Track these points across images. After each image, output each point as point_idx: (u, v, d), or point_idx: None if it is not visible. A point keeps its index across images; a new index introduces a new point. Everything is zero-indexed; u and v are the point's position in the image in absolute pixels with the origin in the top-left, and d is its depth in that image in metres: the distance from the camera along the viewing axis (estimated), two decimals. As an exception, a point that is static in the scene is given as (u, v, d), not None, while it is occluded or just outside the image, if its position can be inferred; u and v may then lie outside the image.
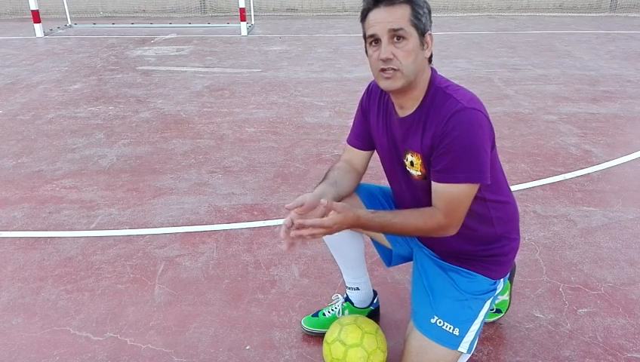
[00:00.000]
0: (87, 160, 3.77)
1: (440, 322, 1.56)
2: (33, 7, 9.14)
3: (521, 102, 4.97)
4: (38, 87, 5.78)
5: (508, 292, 2.02)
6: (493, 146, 1.51)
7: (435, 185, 1.46)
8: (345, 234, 1.79)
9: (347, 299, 2.04)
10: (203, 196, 3.19)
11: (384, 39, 1.40)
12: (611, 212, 2.91)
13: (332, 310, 2.04)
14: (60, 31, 9.77)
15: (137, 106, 5.05)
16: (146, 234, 2.77)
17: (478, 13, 11.64)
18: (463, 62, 6.71)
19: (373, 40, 1.42)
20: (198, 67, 6.62)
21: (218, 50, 7.83)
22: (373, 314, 2.06)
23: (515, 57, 6.95)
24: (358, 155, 1.78)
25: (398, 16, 1.38)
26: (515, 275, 2.33)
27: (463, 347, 1.58)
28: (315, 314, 2.05)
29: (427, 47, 1.45)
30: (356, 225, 1.49)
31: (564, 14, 11.25)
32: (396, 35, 1.39)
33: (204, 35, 9.14)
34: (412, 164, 1.54)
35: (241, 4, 9.16)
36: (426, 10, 1.43)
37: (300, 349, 1.96)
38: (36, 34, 9.16)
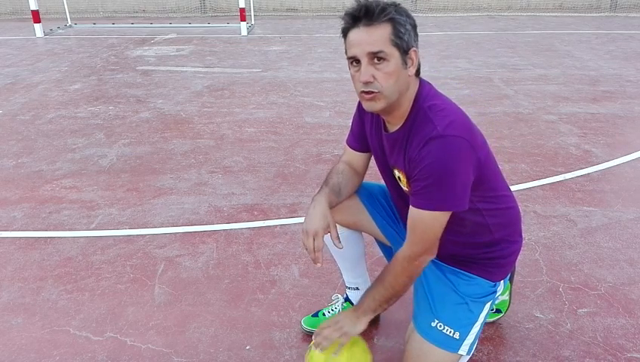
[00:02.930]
0: (87, 160, 3.77)
1: (440, 326, 1.55)
2: (33, 7, 9.14)
3: (521, 102, 4.97)
4: (38, 87, 5.78)
5: (508, 292, 2.02)
6: (486, 158, 1.46)
7: (410, 207, 1.44)
8: (345, 235, 1.79)
9: (347, 299, 2.04)
10: (203, 196, 3.19)
11: (364, 61, 1.35)
12: (611, 212, 2.92)
13: (332, 310, 2.04)
14: (60, 31, 9.77)
15: (137, 106, 5.05)
16: (146, 234, 2.77)
17: (478, 13, 11.65)
18: (463, 62, 6.71)
19: (353, 60, 1.38)
20: (198, 67, 6.62)
21: (218, 50, 7.83)
22: (373, 314, 2.05)
23: (515, 57, 6.95)
24: (357, 157, 1.77)
25: (377, 37, 1.32)
26: (515, 275, 2.33)
27: (463, 349, 1.57)
28: (315, 314, 2.05)
29: (412, 63, 1.39)
30: (370, 318, 1.55)
31: (564, 14, 11.26)
32: (376, 57, 1.34)
33: (204, 35, 9.14)
34: (400, 179, 1.54)
35: (241, 4, 9.17)
36: (409, 27, 1.36)
37: (300, 349, 1.96)
38: (36, 34, 9.17)
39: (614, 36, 8.48)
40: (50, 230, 2.83)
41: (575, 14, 11.24)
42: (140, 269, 2.46)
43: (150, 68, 6.67)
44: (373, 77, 1.35)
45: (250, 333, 2.04)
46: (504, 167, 3.51)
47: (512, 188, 3.19)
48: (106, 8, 12.34)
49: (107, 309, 2.19)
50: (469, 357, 1.62)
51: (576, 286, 2.28)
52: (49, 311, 2.18)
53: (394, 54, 1.34)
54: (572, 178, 3.35)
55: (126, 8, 12.35)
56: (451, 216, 1.43)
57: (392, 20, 1.33)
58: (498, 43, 8.01)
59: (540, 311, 2.12)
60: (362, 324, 1.54)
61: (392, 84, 1.36)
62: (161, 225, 2.86)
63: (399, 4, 1.38)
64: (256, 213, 2.97)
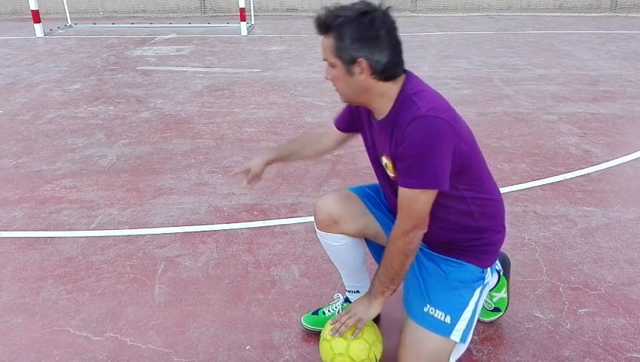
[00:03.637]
0: (87, 160, 3.77)
1: (432, 310, 1.60)
2: (33, 7, 9.14)
3: (521, 102, 4.97)
4: (38, 87, 5.78)
5: (505, 289, 2.03)
6: (471, 149, 1.53)
7: (398, 187, 1.52)
8: (349, 244, 1.85)
9: (347, 300, 2.04)
10: (203, 196, 3.19)
11: (325, 63, 1.53)
12: (611, 212, 2.92)
13: (332, 309, 2.04)
14: (60, 31, 9.77)
15: (137, 106, 5.05)
16: (146, 234, 2.77)
17: (478, 13, 11.65)
18: (463, 62, 6.71)
19: None
20: (198, 67, 6.62)
21: (218, 50, 7.83)
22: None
23: (515, 57, 6.95)
24: (332, 132, 1.92)
25: (325, 47, 1.49)
26: (515, 275, 2.33)
27: (455, 335, 1.60)
28: (315, 312, 2.05)
29: (362, 72, 1.47)
30: (382, 302, 1.65)
31: (564, 14, 11.26)
32: (327, 62, 1.51)
33: (204, 35, 9.14)
34: (387, 166, 1.60)
35: (241, 4, 9.17)
36: (348, 41, 1.43)
37: (299, 349, 1.96)
38: (36, 34, 9.17)
39: (614, 36, 8.48)
40: (50, 230, 2.83)
41: (575, 14, 11.24)
42: (139, 269, 2.46)
43: (150, 68, 6.67)
44: (331, 77, 1.53)
45: (250, 333, 2.04)
46: (504, 167, 3.52)
47: (512, 188, 3.20)
48: (106, 8, 12.34)
49: (107, 309, 2.19)
50: (464, 346, 1.64)
51: (576, 286, 2.28)
52: (49, 311, 2.18)
53: (337, 63, 1.48)
54: (572, 178, 3.35)
55: (126, 8, 12.34)
56: (436, 204, 1.50)
57: (335, 34, 1.45)
58: (498, 43, 8.01)
59: (540, 311, 2.12)
60: (375, 308, 1.65)
61: (342, 87, 1.53)
62: (161, 225, 2.86)
63: (363, 11, 1.43)
64: (256, 213, 2.97)
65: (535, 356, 1.90)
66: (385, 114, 1.54)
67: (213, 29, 9.80)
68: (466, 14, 11.56)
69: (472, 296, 1.64)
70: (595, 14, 11.20)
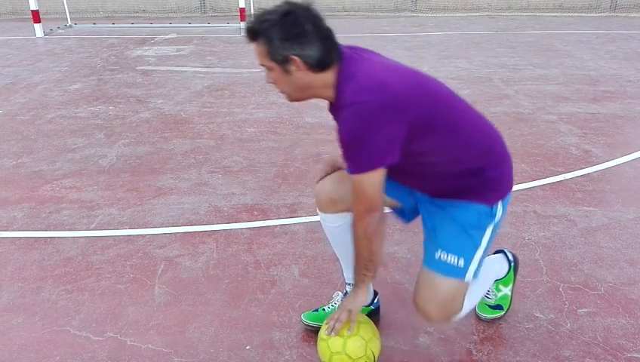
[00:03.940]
0: (87, 160, 3.77)
1: (444, 255, 1.64)
2: (33, 7, 9.14)
3: (521, 102, 4.97)
4: (38, 87, 5.78)
5: (511, 286, 2.05)
6: (429, 109, 1.52)
7: None
8: (347, 222, 1.80)
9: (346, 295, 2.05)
10: (203, 196, 3.19)
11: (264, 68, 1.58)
12: (611, 212, 2.92)
13: (332, 306, 2.04)
14: (60, 31, 9.77)
15: (137, 106, 5.05)
16: (146, 234, 2.77)
17: (478, 13, 11.65)
18: (463, 62, 6.71)
19: None
20: (198, 67, 6.62)
21: (218, 50, 7.83)
22: (374, 313, 2.06)
23: (515, 57, 6.95)
24: None
25: (258, 53, 1.53)
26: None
27: (469, 276, 1.65)
28: (316, 310, 2.06)
29: (298, 69, 1.51)
30: (365, 289, 1.72)
31: (564, 14, 11.26)
32: (265, 66, 1.55)
33: (204, 35, 9.14)
34: None
35: (241, 4, 9.17)
36: (277, 43, 1.47)
37: (299, 349, 1.96)
38: (36, 34, 9.17)
39: (614, 36, 8.48)
40: (50, 230, 2.83)
41: (575, 14, 11.24)
42: (139, 269, 2.46)
43: (150, 68, 6.67)
44: (273, 80, 1.58)
45: (250, 333, 2.04)
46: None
47: (512, 188, 3.19)
48: (106, 8, 12.34)
49: (107, 309, 2.19)
50: (477, 281, 1.70)
51: (576, 286, 2.28)
52: (49, 311, 2.18)
53: (273, 66, 1.53)
54: (572, 178, 3.35)
55: (126, 8, 12.35)
56: (418, 164, 1.58)
57: (263, 39, 1.50)
58: (498, 43, 8.01)
59: (540, 311, 2.12)
60: (360, 297, 1.71)
61: (284, 87, 1.58)
62: (161, 225, 2.86)
63: (285, 11, 1.48)
64: (256, 213, 2.97)
65: (535, 356, 1.90)
66: (332, 102, 1.60)
67: (213, 29, 9.80)
68: (466, 14, 11.56)
69: (483, 235, 1.67)
70: (595, 14, 11.20)
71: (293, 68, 1.51)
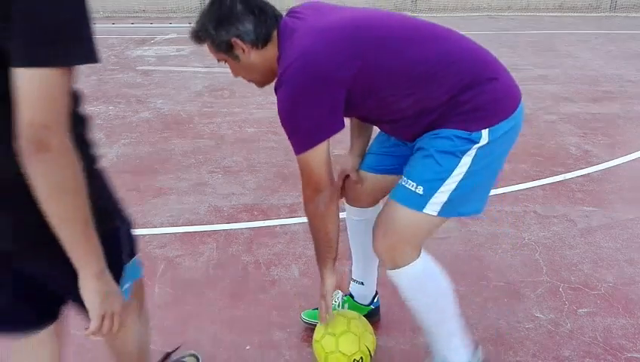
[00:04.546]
0: (87, 160, 3.76)
1: (404, 181, 1.48)
2: (33, 7, 9.12)
3: (521, 102, 4.97)
4: (38, 87, 5.77)
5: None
6: (377, 55, 1.37)
7: None
8: (369, 225, 1.72)
9: (351, 296, 2.04)
10: (203, 196, 3.19)
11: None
12: (611, 212, 2.92)
13: (332, 303, 2.04)
14: (60, 31, 9.76)
15: (137, 106, 5.05)
16: (146, 234, 2.77)
17: (478, 13, 11.64)
18: (463, 62, 6.70)
19: None
20: (198, 67, 6.62)
21: (218, 50, 7.82)
22: (374, 313, 2.06)
23: (515, 57, 6.94)
24: None
25: (209, 51, 1.52)
26: (516, 275, 2.33)
27: (431, 209, 1.45)
28: (316, 308, 2.05)
29: (242, 51, 1.45)
30: (331, 271, 1.65)
31: (564, 14, 11.26)
32: (222, 62, 1.53)
33: (204, 35, 9.13)
34: None
35: (241, 4, 9.16)
36: (214, 32, 1.45)
37: (299, 349, 1.96)
38: (36, 34, 9.15)
39: (614, 36, 8.48)
40: (50, 230, 2.83)
41: (575, 14, 11.24)
42: (139, 269, 2.46)
43: (150, 68, 6.67)
44: (233, 72, 1.55)
45: (250, 333, 2.04)
46: (504, 167, 3.50)
47: (512, 188, 3.20)
48: (106, 8, 12.34)
49: (107, 309, 2.18)
50: (444, 219, 1.50)
51: (576, 286, 2.28)
52: (49, 311, 2.18)
53: (224, 57, 1.50)
54: (572, 178, 3.35)
55: (126, 8, 12.34)
56: (389, 110, 1.45)
57: (203, 36, 1.48)
58: (498, 43, 8.01)
59: (540, 311, 2.12)
60: (327, 279, 1.64)
61: (244, 74, 1.54)
62: (161, 225, 2.86)
63: (213, 0, 1.48)
64: (256, 213, 2.97)
65: (535, 356, 1.90)
66: None
67: (213, 29, 9.78)
68: (466, 14, 11.56)
69: (456, 163, 1.42)
70: (595, 14, 11.20)
71: (239, 52, 1.46)
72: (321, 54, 1.35)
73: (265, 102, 5.10)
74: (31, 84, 0.85)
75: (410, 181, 1.46)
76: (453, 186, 1.43)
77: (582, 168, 3.49)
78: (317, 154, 1.43)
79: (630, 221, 2.82)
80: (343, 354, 1.68)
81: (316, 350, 1.75)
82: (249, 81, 1.59)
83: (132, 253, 1.33)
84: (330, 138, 1.44)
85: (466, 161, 1.42)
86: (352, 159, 1.83)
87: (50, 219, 0.94)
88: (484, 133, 1.41)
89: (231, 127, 4.40)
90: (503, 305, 2.17)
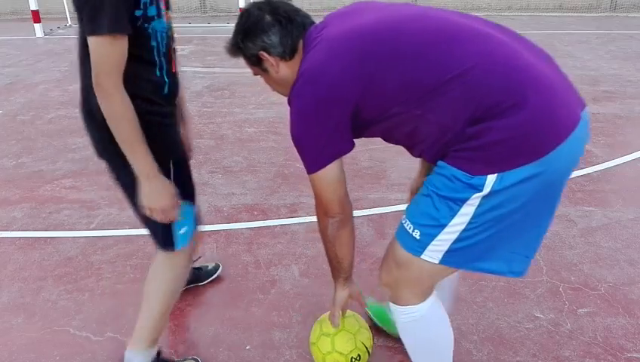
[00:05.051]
0: (87, 160, 3.76)
1: (404, 220, 1.39)
2: (33, 7, 9.13)
3: (521, 102, 4.97)
4: (38, 87, 5.78)
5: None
6: (380, 75, 1.24)
7: None
8: None
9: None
10: (203, 196, 3.18)
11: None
12: (611, 212, 2.92)
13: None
14: (60, 31, 9.77)
15: (137, 106, 5.04)
16: (146, 234, 2.76)
17: (477, 14, 11.62)
18: (463, 62, 6.70)
19: None
20: (198, 67, 6.62)
21: (218, 50, 7.82)
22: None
23: (515, 57, 6.94)
24: None
25: (245, 64, 1.48)
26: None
27: (431, 256, 1.31)
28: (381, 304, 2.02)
29: (270, 64, 1.40)
30: (342, 285, 1.63)
31: (564, 14, 11.26)
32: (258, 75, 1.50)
33: (204, 35, 9.14)
34: None
35: (241, 4, 9.18)
36: (242, 45, 1.41)
37: (299, 349, 1.96)
38: (36, 34, 9.16)
39: (614, 36, 8.48)
40: (50, 230, 2.83)
41: (575, 14, 11.24)
42: (139, 269, 2.46)
43: (150, 68, 6.66)
44: (270, 85, 1.51)
45: (250, 333, 2.04)
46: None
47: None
48: (106, 8, 12.33)
49: (107, 309, 2.19)
50: (454, 269, 1.38)
51: (576, 286, 2.28)
52: (49, 311, 2.18)
53: (256, 70, 1.47)
54: (572, 178, 3.34)
55: (126, 8, 12.33)
56: (411, 136, 1.32)
57: (236, 50, 1.45)
58: (498, 43, 8.00)
59: (540, 311, 2.12)
60: (338, 293, 1.64)
61: (274, 86, 1.50)
62: (161, 225, 2.85)
63: (242, 13, 1.46)
64: (256, 213, 2.97)
65: (535, 356, 1.90)
66: None
67: (213, 29, 9.80)
68: (466, 14, 11.55)
69: (453, 212, 1.24)
70: (595, 14, 11.20)
71: (268, 65, 1.40)
72: (340, 73, 1.26)
73: (265, 102, 5.10)
74: (90, 47, 1.36)
75: (408, 222, 1.36)
76: (454, 237, 1.27)
77: (582, 168, 3.49)
78: (325, 175, 1.37)
79: (630, 221, 2.82)
80: (340, 353, 1.68)
81: (313, 352, 1.76)
82: (282, 94, 1.48)
83: (187, 198, 1.72)
84: (342, 158, 1.37)
85: (467, 211, 1.24)
86: (418, 180, 1.71)
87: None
88: (490, 179, 1.19)
89: (231, 127, 4.40)
90: (503, 305, 2.17)
